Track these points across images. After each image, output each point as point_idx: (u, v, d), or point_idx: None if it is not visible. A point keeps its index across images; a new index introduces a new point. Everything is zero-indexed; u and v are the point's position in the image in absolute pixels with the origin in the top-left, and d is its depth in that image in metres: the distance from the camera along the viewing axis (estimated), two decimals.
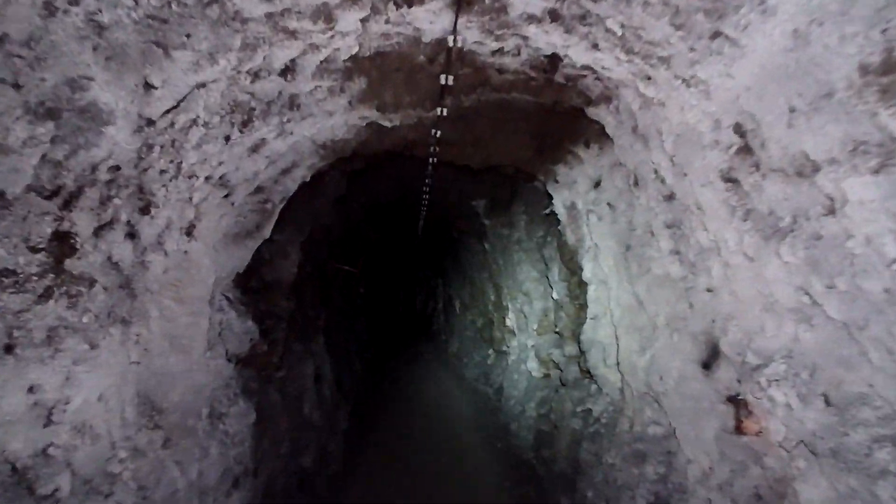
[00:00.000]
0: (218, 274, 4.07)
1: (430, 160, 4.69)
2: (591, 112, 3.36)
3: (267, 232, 4.54)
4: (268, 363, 5.24)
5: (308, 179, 4.45)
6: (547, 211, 5.60)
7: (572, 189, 4.58)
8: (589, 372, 5.26)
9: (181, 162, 2.86)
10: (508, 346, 9.49)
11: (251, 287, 5.01)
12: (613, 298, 4.23)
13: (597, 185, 4.02)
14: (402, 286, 29.55)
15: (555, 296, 6.17)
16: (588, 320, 5.01)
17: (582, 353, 5.29)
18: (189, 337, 3.41)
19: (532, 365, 7.54)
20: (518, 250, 7.37)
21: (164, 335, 3.13)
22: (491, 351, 12.19)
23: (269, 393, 5.28)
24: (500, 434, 8.33)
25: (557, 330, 6.16)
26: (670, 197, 3.04)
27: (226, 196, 3.66)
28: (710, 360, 2.95)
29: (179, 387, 3.30)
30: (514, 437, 7.87)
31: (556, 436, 6.08)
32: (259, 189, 4.01)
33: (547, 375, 7.29)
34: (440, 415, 9.70)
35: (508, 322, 9.08)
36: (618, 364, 4.38)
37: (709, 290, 2.89)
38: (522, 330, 8.29)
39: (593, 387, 5.28)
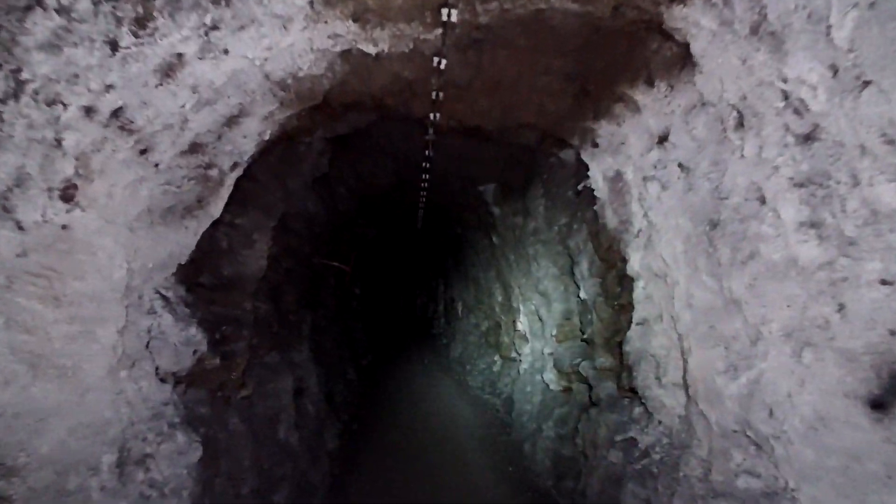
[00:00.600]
0: (140, 263, 2.94)
1: (432, 118, 3.58)
2: (673, 16, 2.24)
3: (215, 210, 3.43)
4: (225, 381, 4.13)
5: (269, 139, 3.33)
6: (578, 188, 4.49)
7: (619, 153, 3.45)
8: (633, 391, 4.13)
9: (20, 71, 1.74)
10: (519, 353, 8.36)
11: (201, 284, 3.90)
12: (680, 297, 3.10)
13: (662, 140, 2.91)
14: (400, 286, 28.42)
15: (582, 295, 5.05)
16: (634, 326, 3.88)
17: (623, 366, 4.17)
18: (74, 354, 2.29)
19: (549, 376, 6.41)
20: (534, 243, 6.24)
21: (17, 354, 2.02)
22: (497, 357, 11.05)
23: (227, 419, 4.17)
24: (511, 455, 7.20)
25: (585, 337, 5.05)
26: (810, 135, 1.92)
27: (142, 152, 2.54)
28: (888, 396, 1.83)
29: (52, 431, 2.18)
30: (528, 460, 6.73)
31: (586, 467, 4.94)
32: (196, 147, 2.90)
33: (567, 389, 6.16)
34: (442, 429, 8.57)
35: (520, 326, 7.95)
36: (685, 386, 3.25)
37: (885, 283, 1.77)
38: (537, 335, 7.16)
39: (637, 409, 4.15)
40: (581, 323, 5.39)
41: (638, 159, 3.23)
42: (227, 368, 4.13)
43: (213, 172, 3.16)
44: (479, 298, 11.76)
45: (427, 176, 5.96)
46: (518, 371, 8.24)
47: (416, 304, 29.21)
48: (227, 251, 4.18)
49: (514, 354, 9.20)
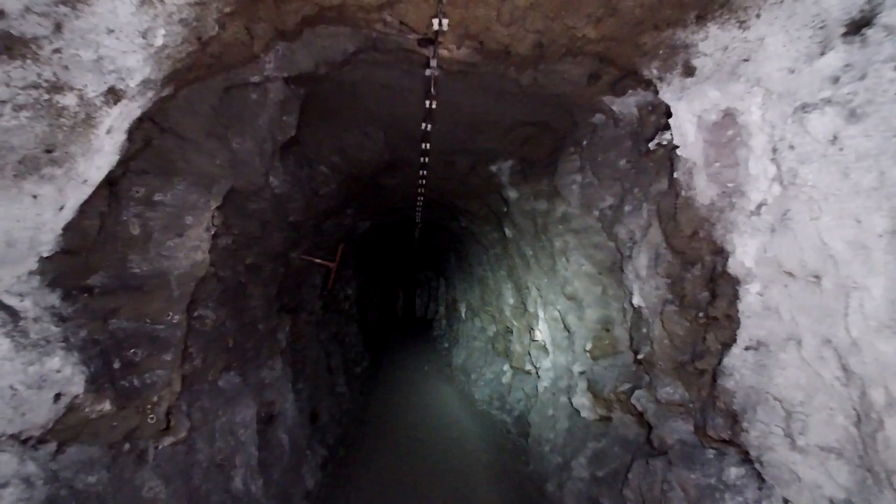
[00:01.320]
0: None
1: (436, 26, 2.26)
2: None
3: (87, 169, 2.11)
4: (136, 428, 2.82)
5: (180, 52, 2.02)
6: (641, 150, 3.18)
7: (737, 78, 2.14)
8: (732, 443, 2.81)
9: None
10: (536, 367, 7.05)
11: (90, 288, 2.58)
12: (866, 314, 1.78)
13: (856, 28, 1.60)
14: (398, 285, 27.12)
15: (636, 301, 3.74)
16: (740, 351, 2.56)
17: (714, 406, 2.85)
18: None
19: (581, 401, 5.10)
20: (562, 233, 4.92)
21: None
22: (507, 367, 9.74)
23: (140, 483, 2.86)
24: (529, 493, 5.89)
25: (641, 357, 3.74)
26: None
27: None
28: None
29: None
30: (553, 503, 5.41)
31: None
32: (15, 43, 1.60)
33: (605, 419, 4.85)
34: (445, 453, 7.26)
35: (538, 335, 6.64)
36: (859, 459, 1.94)
37: None
38: (562, 347, 5.85)
39: (736, 472, 2.83)
40: (632, 338, 4.08)
41: (783, 79, 1.92)
42: (139, 409, 2.83)
43: (68, 101, 1.86)
44: (487, 300, 10.45)
45: (427, 148, 4.63)
46: (536, 388, 6.92)
47: (416, 304, 27.92)
48: (139, 239, 2.88)
49: (528, 367, 7.89)
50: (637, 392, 3.82)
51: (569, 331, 5.51)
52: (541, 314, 6.43)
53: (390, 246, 14.69)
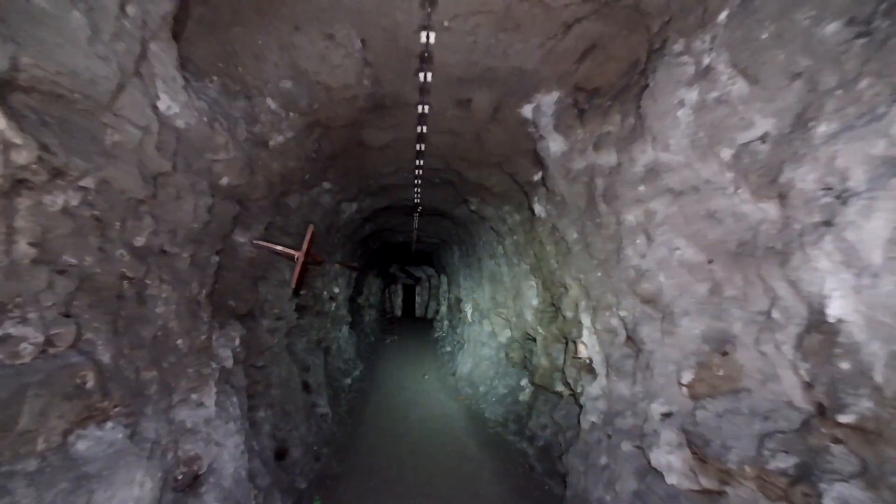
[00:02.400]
0: None
1: None
2: None
3: None
4: None
5: None
6: None
7: None
8: None
9: None
10: (576, 391, 5.19)
11: None
12: None
13: None
14: (397, 282, 25.20)
15: (836, 310, 1.92)
16: None
17: None
18: None
19: (668, 460, 3.27)
20: (647, 196, 3.04)
21: None
22: (526, 382, 7.89)
23: None
24: None
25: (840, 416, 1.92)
26: None
27: None
28: None
29: None
30: None
31: None
32: None
33: (712, 493, 3.03)
34: (451, 495, 5.44)
35: (582, 350, 4.78)
36: None
37: None
38: (624, 371, 4.00)
39: None
40: (801, 376, 2.24)
41: None
42: None
43: None
44: (499, 300, 8.58)
45: (428, 79, 2.79)
46: (577, 421, 5.06)
47: (416, 302, 26.05)
48: None
49: (560, 388, 6.02)
50: (835, 486, 1.97)
51: (640, 348, 3.66)
52: (586, 322, 4.58)
53: (386, 236, 12.82)
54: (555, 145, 3.80)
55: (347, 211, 7.33)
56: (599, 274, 4.06)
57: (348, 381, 10.03)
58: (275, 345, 5.86)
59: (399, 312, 24.41)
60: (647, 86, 2.70)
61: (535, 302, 6.52)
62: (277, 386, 5.91)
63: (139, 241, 2.83)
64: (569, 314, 5.06)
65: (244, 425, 4.59)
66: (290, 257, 4.79)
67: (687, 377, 3.05)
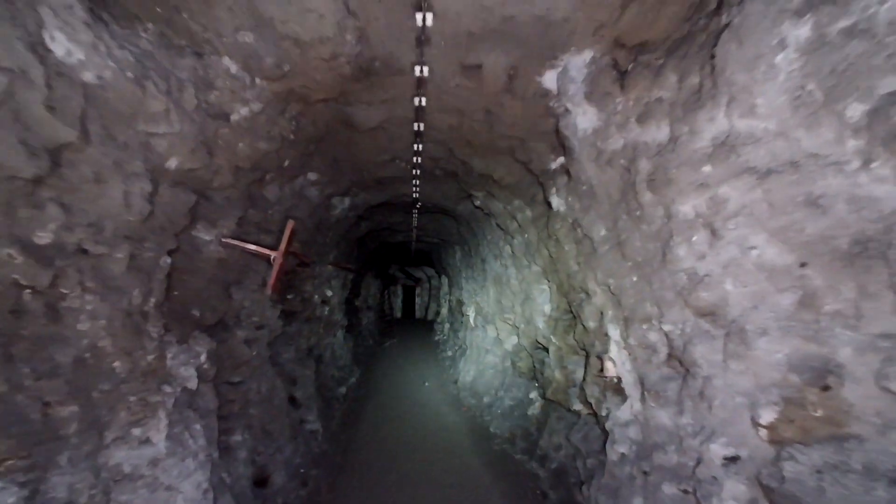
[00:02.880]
0: None
1: None
2: None
3: None
4: None
5: None
6: None
7: None
8: None
9: None
10: (601, 413, 4.45)
11: None
12: None
13: None
14: (396, 283, 24.42)
15: None
16: None
17: None
18: None
19: None
20: (714, 180, 2.35)
21: None
22: (536, 395, 7.15)
23: None
24: None
25: None
26: None
27: None
28: None
29: None
30: None
31: None
32: None
33: None
34: None
35: (610, 367, 4.04)
36: None
37: None
38: (667, 399, 3.26)
39: None
40: None
41: None
42: None
43: None
44: (505, 304, 7.84)
45: (427, 22, 2.06)
46: (602, 447, 4.32)
47: (416, 304, 25.29)
48: None
49: (578, 406, 5.28)
50: None
51: (690, 371, 2.93)
52: (614, 334, 3.85)
53: (384, 235, 12.09)
54: (584, 120, 3.06)
55: (339, 207, 6.60)
56: (635, 279, 3.33)
57: (343, 390, 9.30)
58: (254, 357, 5.13)
59: (399, 314, 23.68)
60: (726, 26, 1.96)
61: (547, 308, 5.79)
62: (257, 403, 5.18)
63: (42, 238, 2.10)
64: (591, 324, 4.32)
65: (211, 456, 3.85)
66: (267, 258, 4.06)
67: (767, 416, 2.32)
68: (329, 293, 8.58)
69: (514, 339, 7.98)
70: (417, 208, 8.02)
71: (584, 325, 4.55)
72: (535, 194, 4.93)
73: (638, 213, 3.02)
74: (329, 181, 5.32)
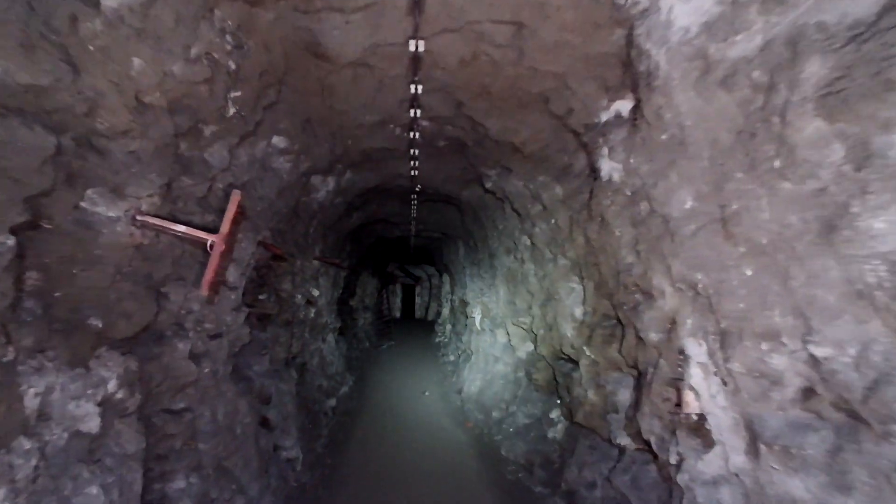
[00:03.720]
0: None
1: None
2: None
3: None
4: None
5: None
6: None
7: None
8: None
9: None
10: (662, 455, 3.24)
11: None
12: None
13: None
14: (395, 281, 23.13)
15: None
16: None
17: None
18: None
19: None
20: None
21: None
22: (557, 415, 5.96)
23: None
24: None
25: None
26: None
27: None
28: None
29: None
30: None
31: None
32: None
33: None
34: None
35: (691, 402, 2.85)
36: None
37: None
38: (807, 463, 2.09)
39: None
40: None
41: None
42: None
43: None
44: (519, 306, 6.64)
45: None
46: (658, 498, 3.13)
47: (416, 303, 24.06)
48: None
49: (623, 440, 4.08)
50: None
51: (870, 424, 1.76)
52: (698, 354, 2.65)
53: (380, 229, 10.89)
54: (686, 12, 1.86)
55: (322, 189, 5.39)
56: (750, 272, 2.13)
57: (332, 402, 8.10)
58: (206, 375, 3.94)
59: (398, 314, 22.48)
60: None
61: (577, 311, 4.59)
62: (211, 435, 3.99)
63: None
64: (653, 336, 3.11)
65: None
66: (203, 245, 2.85)
67: None
68: (315, 292, 7.38)
69: (530, 347, 6.78)
70: (416, 194, 6.82)
71: (639, 337, 3.35)
72: (569, 164, 3.73)
73: (777, 162, 1.81)
74: (303, 151, 4.12)
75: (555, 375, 5.88)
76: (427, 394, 9.74)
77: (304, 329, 7.14)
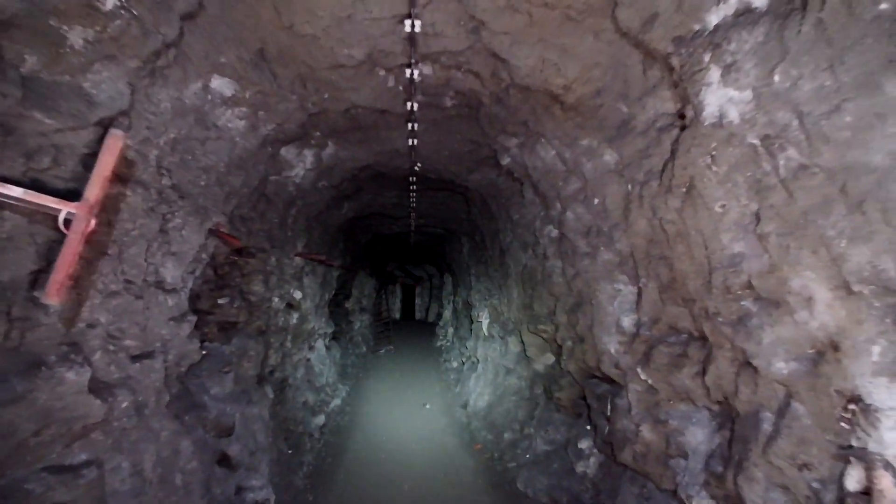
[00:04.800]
0: None
1: None
2: None
3: None
4: None
5: None
6: None
7: None
8: None
9: None
10: None
11: None
12: None
13: None
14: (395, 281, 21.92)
15: None
16: None
17: None
18: None
19: None
20: None
21: None
22: (588, 445, 4.83)
23: None
24: None
25: None
26: None
27: None
28: None
29: None
30: None
31: None
32: None
33: None
34: None
35: (888, 480, 1.75)
36: None
37: None
38: None
39: None
40: None
41: None
42: None
43: None
44: (537, 311, 5.49)
45: None
46: None
47: (416, 304, 22.89)
48: None
49: (695, 498, 2.96)
50: None
51: None
52: (887, 399, 1.55)
53: (376, 225, 9.76)
54: None
55: (298, 166, 4.24)
56: None
57: (320, 419, 6.95)
58: (122, 412, 2.81)
59: (397, 315, 21.33)
60: None
61: (627, 321, 3.45)
62: (131, 495, 2.85)
63: None
64: (782, 366, 1.98)
65: None
66: (53, 218, 1.71)
67: None
68: (298, 294, 6.23)
69: (551, 359, 5.64)
70: (416, 180, 5.68)
71: (746, 363, 2.21)
72: (631, 116, 2.59)
73: None
74: (261, 105, 2.98)
75: (584, 396, 4.74)
76: (428, 406, 8.59)
77: (285, 338, 6.00)
